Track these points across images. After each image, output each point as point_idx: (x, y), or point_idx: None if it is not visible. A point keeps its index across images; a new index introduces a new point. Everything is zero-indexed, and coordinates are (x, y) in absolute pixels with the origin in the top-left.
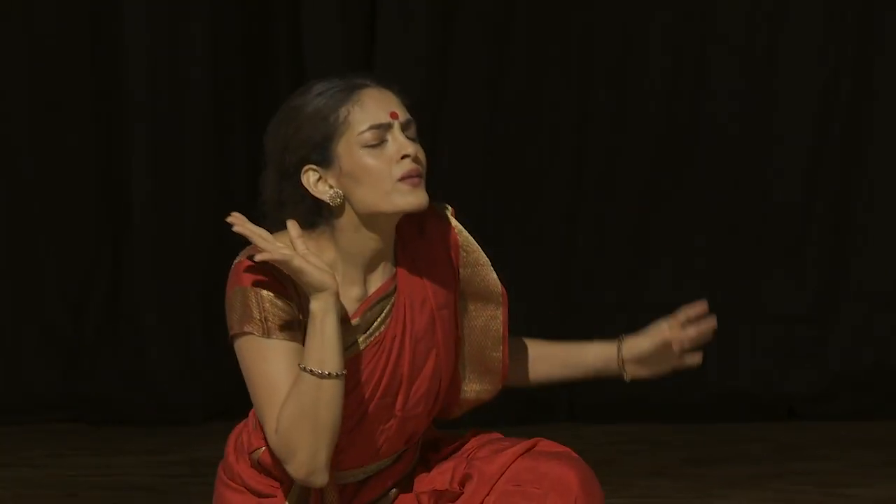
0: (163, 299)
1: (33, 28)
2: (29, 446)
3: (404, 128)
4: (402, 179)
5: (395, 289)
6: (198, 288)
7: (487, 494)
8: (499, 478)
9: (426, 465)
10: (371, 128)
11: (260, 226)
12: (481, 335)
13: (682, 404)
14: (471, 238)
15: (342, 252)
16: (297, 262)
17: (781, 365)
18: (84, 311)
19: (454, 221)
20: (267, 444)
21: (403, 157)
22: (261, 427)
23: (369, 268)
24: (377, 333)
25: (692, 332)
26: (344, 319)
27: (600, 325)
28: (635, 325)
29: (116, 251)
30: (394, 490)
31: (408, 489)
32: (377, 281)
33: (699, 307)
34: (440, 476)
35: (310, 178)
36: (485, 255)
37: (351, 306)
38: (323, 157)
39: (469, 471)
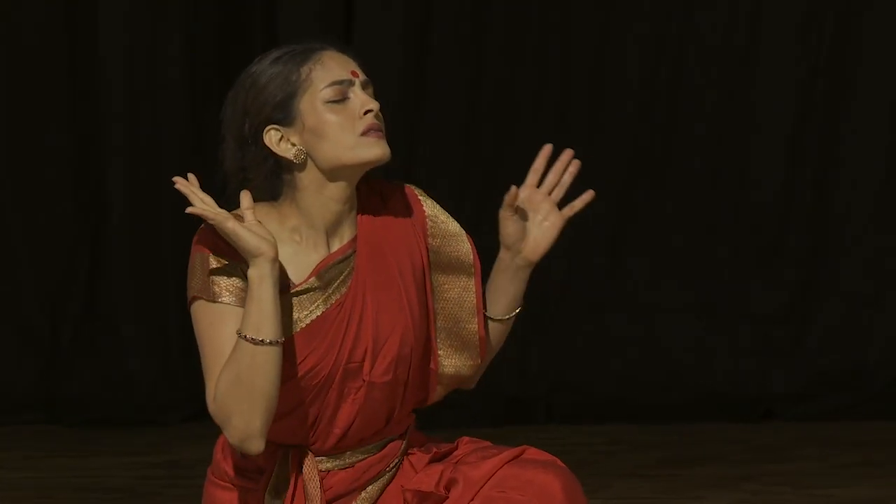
0: (140, 301)
1: (10, 31)
2: (5, 448)
3: (364, 87)
4: (364, 133)
5: (355, 252)
6: (175, 290)
7: (472, 500)
8: (484, 483)
9: (413, 466)
10: (333, 83)
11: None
12: (456, 307)
13: (660, 405)
14: (439, 208)
15: (305, 215)
16: (231, 225)
17: (759, 365)
18: (61, 313)
19: (420, 192)
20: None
21: (366, 112)
22: None
23: (331, 231)
24: (338, 295)
25: (551, 177)
26: (301, 283)
27: (578, 323)
28: (612, 323)
29: (94, 253)
30: (373, 485)
31: (393, 485)
32: (337, 242)
33: (543, 153)
34: (427, 478)
35: (272, 137)
36: (457, 225)
37: (309, 269)
38: (285, 116)
39: (455, 475)
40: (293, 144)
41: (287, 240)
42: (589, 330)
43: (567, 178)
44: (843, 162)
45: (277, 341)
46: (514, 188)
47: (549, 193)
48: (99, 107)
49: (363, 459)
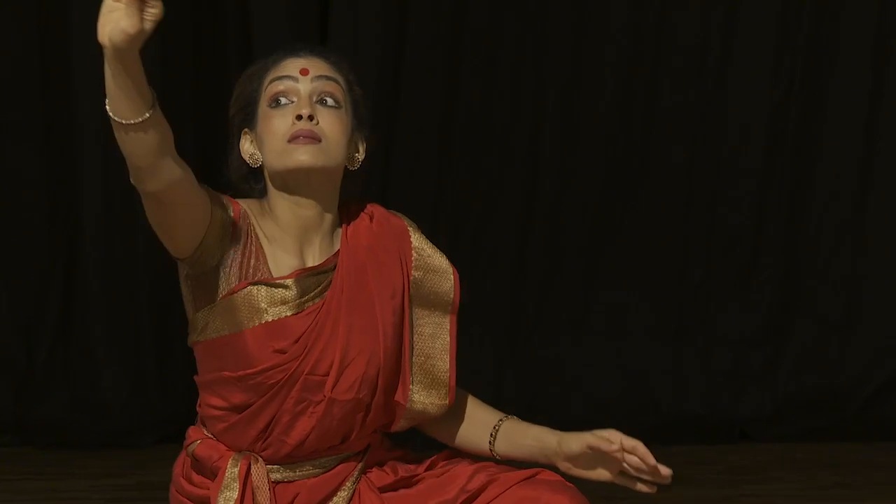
0: (113, 326)
1: None
2: None
3: (318, 92)
4: (291, 140)
5: (335, 267)
6: (148, 313)
7: None
8: (493, 499)
9: (370, 486)
10: (275, 79)
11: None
12: (429, 342)
13: (636, 427)
14: (428, 243)
15: (277, 220)
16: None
17: (733, 388)
18: (35, 337)
19: (410, 223)
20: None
21: (297, 117)
22: (202, 422)
23: (305, 240)
24: (310, 304)
25: (633, 461)
26: (277, 278)
27: (553, 348)
28: (588, 347)
29: (67, 276)
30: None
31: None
32: (316, 256)
33: (643, 452)
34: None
35: (245, 141)
36: (445, 261)
37: (287, 270)
38: (249, 119)
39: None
40: (254, 149)
41: (271, 237)
42: (564, 354)
43: (645, 477)
44: (816, 186)
45: (135, 121)
46: (618, 444)
47: (624, 459)
48: (72, 135)
49: (317, 475)
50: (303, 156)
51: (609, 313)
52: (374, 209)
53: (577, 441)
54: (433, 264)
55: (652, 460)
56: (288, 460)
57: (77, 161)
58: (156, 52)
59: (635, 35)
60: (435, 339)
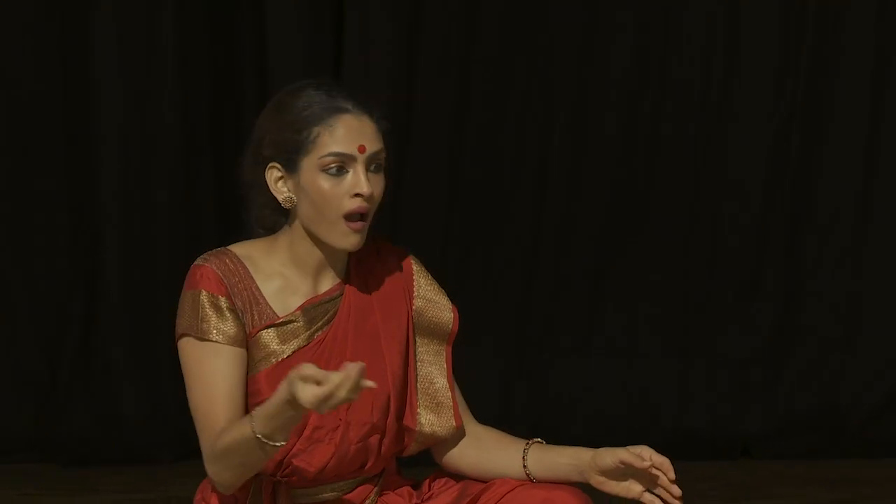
0: (133, 345)
1: (5, 82)
2: (1, 486)
3: (370, 161)
4: (347, 217)
5: (342, 294)
6: (167, 333)
7: None
8: (497, 501)
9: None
10: (332, 154)
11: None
12: (430, 367)
13: (637, 444)
14: (427, 274)
15: (293, 255)
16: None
17: (735, 406)
18: (57, 356)
19: (415, 260)
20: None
21: (356, 195)
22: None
23: (318, 271)
24: (319, 334)
25: (661, 477)
26: (285, 315)
27: (559, 367)
28: (592, 366)
29: (89, 294)
30: None
31: None
32: (325, 285)
33: (667, 468)
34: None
35: (272, 174)
36: (444, 296)
37: (294, 305)
38: (288, 164)
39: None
40: (288, 190)
41: (275, 274)
42: (569, 373)
43: (664, 495)
44: (816, 209)
45: (283, 443)
46: (648, 460)
47: (650, 474)
48: (91, 153)
49: (336, 497)
50: (353, 240)
51: (614, 335)
52: (379, 243)
53: (610, 455)
54: (433, 295)
55: (672, 475)
56: (311, 484)
57: (98, 179)
58: (174, 103)
59: (641, 65)
60: (434, 365)
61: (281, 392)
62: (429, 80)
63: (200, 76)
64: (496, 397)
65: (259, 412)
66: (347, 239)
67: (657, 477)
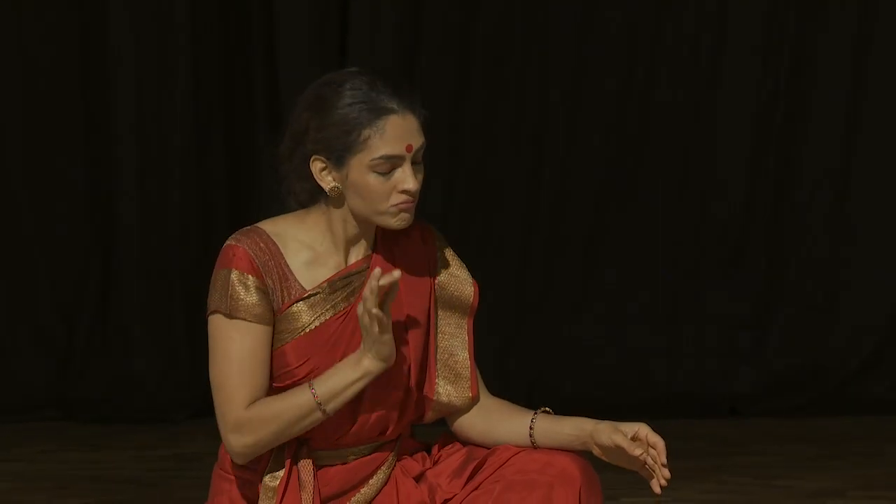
0: (148, 307)
1: (26, 52)
2: (22, 443)
3: (415, 155)
4: (395, 205)
5: (368, 267)
6: (180, 296)
7: (493, 480)
8: (501, 465)
9: (404, 472)
10: (384, 157)
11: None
12: (450, 340)
13: (631, 403)
14: (450, 249)
15: (328, 230)
16: (382, 325)
17: (723, 366)
18: (75, 317)
19: (437, 233)
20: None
21: (403, 191)
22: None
23: (348, 247)
24: (345, 304)
25: (653, 454)
26: (313, 288)
27: (554, 327)
28: (587, 327)
29: (105, 260)
30: (367, 487)
31: (388, 487)
32: (354, 258)
33: (661, 449)
34: (445, 471)
35: (318, 166)
36: (465, 270)
37: (322, 277)
38: (336, 160)
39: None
40: (333, 180)
41: (305, 247)
42: (564, 333)
43: (655, 468)
44: (801, 181)
45: (329, 415)
46: (643, 444)
47: (647, 454)
48: (109, 125)
49: (357, 459)
50: (405, 217)
51: (607, 297)
52: None
53: (607, 436)
54: (455, 270)
55: (664, 458)
56: (332, 447)
57: (115, 153)
58: (187, 76)
59: (633, 40)
60: (455, 337)
61: (351, 362)
62: (431, 57)
63: (212, 53)
64: (494, 357)
65: (322, 380)
66: (398, 220)
67: (650, 455)
